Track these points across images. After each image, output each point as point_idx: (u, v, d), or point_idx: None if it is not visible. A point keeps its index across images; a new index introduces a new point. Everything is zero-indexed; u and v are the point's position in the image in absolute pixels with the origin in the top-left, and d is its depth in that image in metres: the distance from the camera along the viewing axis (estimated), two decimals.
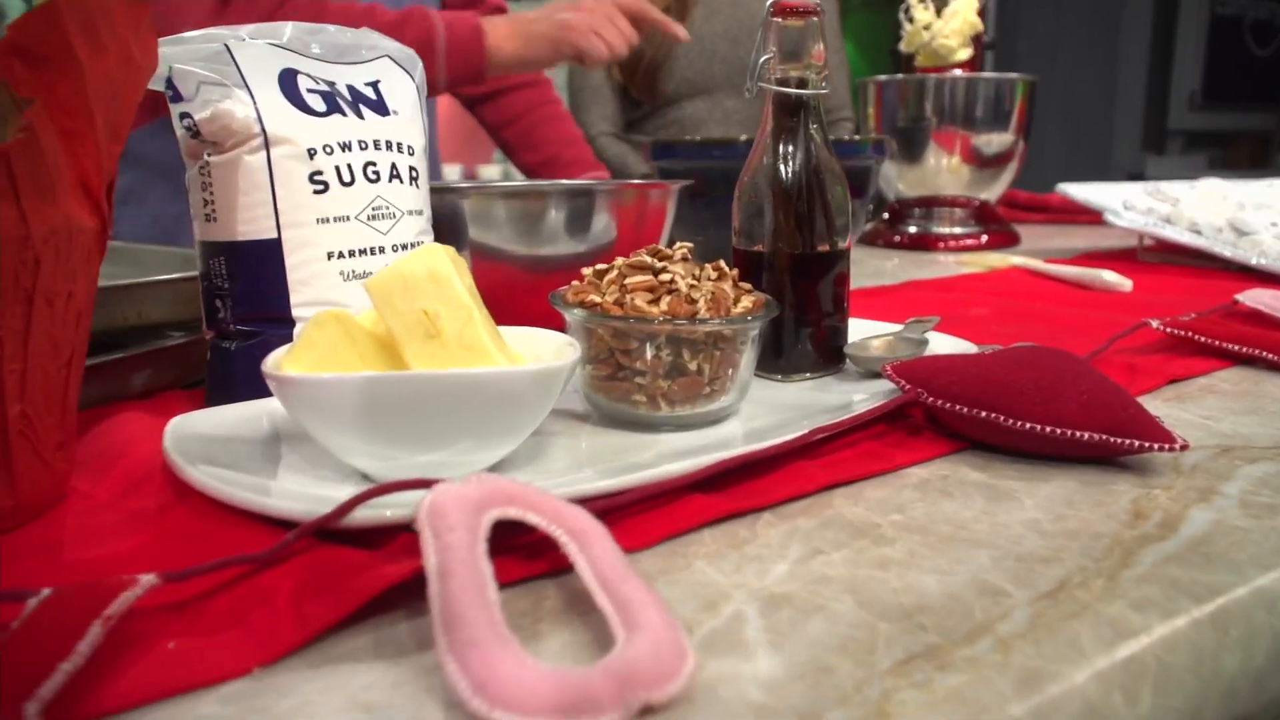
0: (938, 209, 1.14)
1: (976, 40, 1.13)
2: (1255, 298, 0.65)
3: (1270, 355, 0.53)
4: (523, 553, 0.29)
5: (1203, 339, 0.55)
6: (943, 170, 1.11)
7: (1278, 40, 4.87)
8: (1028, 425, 0.38)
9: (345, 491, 0.32)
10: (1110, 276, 0.78)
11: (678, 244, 0.43)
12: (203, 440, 0.36)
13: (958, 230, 1.13)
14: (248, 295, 0.42)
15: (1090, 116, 4.62)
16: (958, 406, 0.39)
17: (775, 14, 0.46)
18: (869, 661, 0.24)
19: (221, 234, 0.42)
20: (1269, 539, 0.31)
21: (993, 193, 1.15)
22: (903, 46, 1.13)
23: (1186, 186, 1.01)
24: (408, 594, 0.27)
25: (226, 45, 0.41)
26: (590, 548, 0.27)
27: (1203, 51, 4.64)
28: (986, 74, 1.08)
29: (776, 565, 0.30)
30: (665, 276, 0.40)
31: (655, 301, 0.39)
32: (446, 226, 0.55)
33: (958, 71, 1.11)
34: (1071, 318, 0.67)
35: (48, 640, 0.22)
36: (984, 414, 0.38)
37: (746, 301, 0.41)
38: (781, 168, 0.47)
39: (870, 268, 0.98)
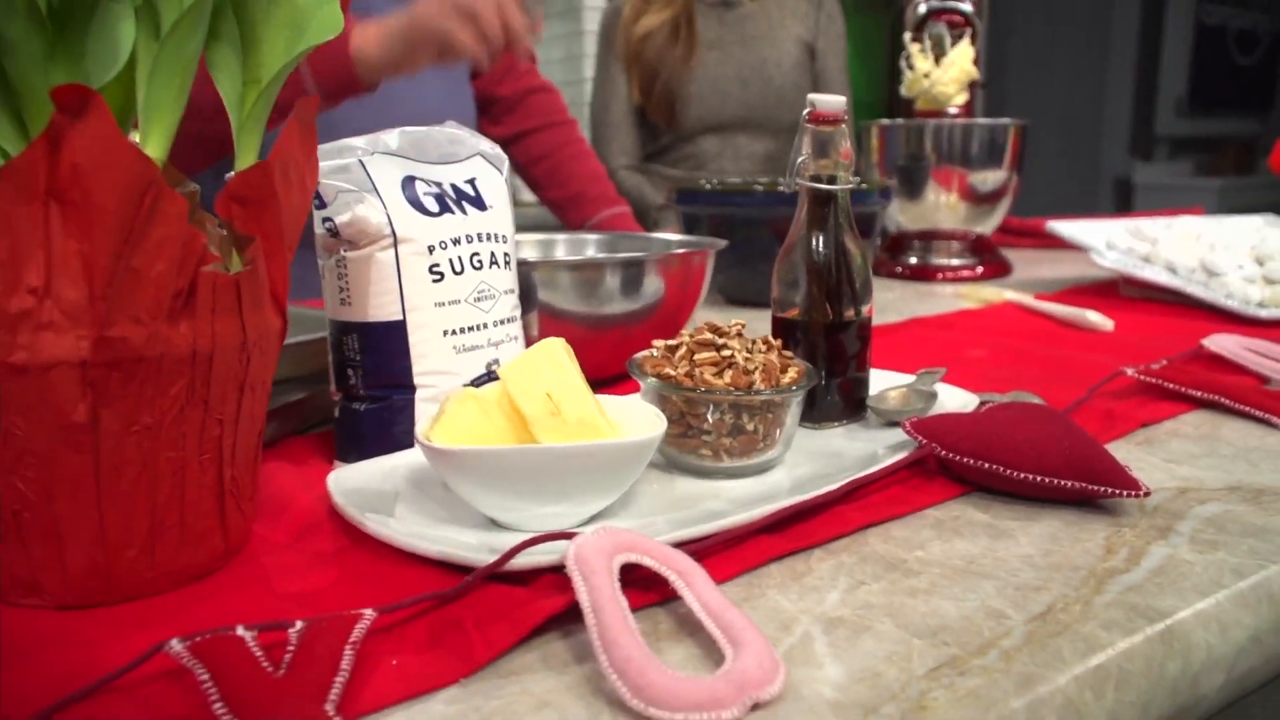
0: (936, 242, 1.23)
1: (972, 86, 1.22)
2: (1219, 343, 0.74)
3: (1227, 400, 0.62)
4: (639, 586, 0.38)
5: (1170, 385, 0.64)
6: (941, 206, 1.20)
7: (1261, 48, 4.99)
8: (1022, 475, 0.46)
9: (488, 539, 0.40)
10: (1094, 317, 0.87)
11: (734, 321, 0.52)
12: (360, 493, 0.44)
13: (955, 262, 1.22)
14: (377, 367, 0.50)
15: (1079, 123, 4.73)
16: (965, 459, 0.48)
17: (810, 121, 0.55)
18: (908, 669, 0.33)
19: (355, 315, 0.50)
20: (1208, 571, 0.40)
21: (988, 226, 1.24)
22: (904, 91, 1.22)
23: (1164, 225, 1.10)
24: (559, 621, 0.35)
25: (360, 160, 0.49)
26: (694, 584, 0.36)
27: (1188, 60, 4.75)
28: (981, 120, 1.17)
29: (830, 594, 0.38)
30: (726, 352, 0.48)
31: (719, 374, 0.48)
32: (523, 292, 0.63)
33: (954, 108, 1.20)
34: (1059, 360, 0.76)
35: (322, 661, 0.31)
36: (987, 465, 0.47)
37: (792, 372, 0.50)
38: (814, 250, 0.56)
39: (877, 301, 1.07)
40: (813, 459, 0.52)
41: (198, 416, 0.38)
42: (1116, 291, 1.06)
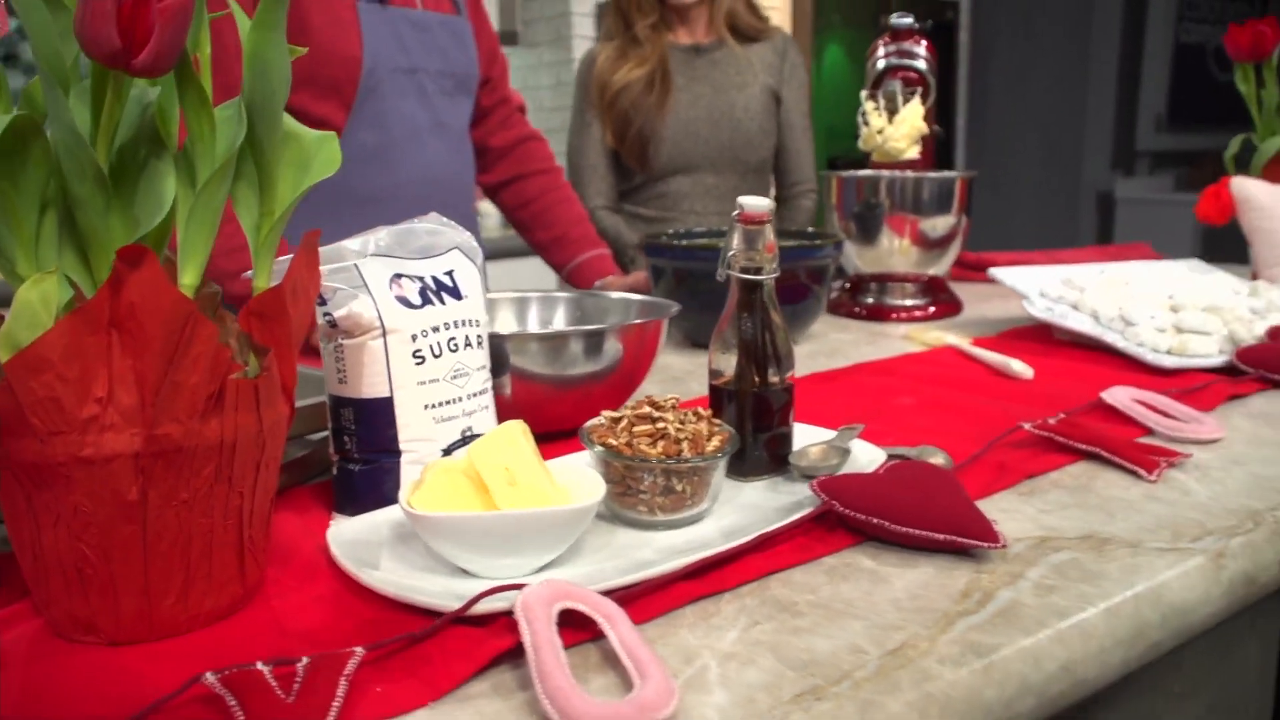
0: (891, 284, 1.33)
1: (924, 140, 1.32)
2: (1114, 395, 0.84)
3: (1104, 452, 0.72)
4: (575, 625, 0.47)
5: (1059, 438, 0.74)
6: (895, 251, 1.30)
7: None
8: (904, 528, 0.56)
9: (457, 585, 0.50)
10: (1017, 365, 0.97)
11: (669, 396, 0.61)
12: (353, 545, 0.54)
13: (908, 302, 1.32)
14: (368, 435, 0.60)
15: (1061, 139, 4.83)
16: (859, 514, 0.57)
17: (740, 220, 0.65)
18: (778, 695, 0.43)
19: (350, 392, 0.60)
20: (1038, 612, 0.50)
21: (940, 268, 1.34)
22: (860, 145, 1.32)
23: (1098, 271, 1.20)
24: (509, 656, 0.45)
25: (355, 264, 0.59)
26: (616, 626, 0.45)
27: (1168, 77, 4.86)
28: (931, 174, 1.27)
29: (730, 632, 0.48)
30: (660, 424, 0.58)
31: (653, 444, 0.57)
32: (496, 358, 0.73)
33: (911, 167, 1.30)
34: (975, 411, 0.85)
35: (323, 690, 0.41)
36: (875, 520, 0.57)
37: (716, 440, 0.59)
38: (744, 328, 0.66)
39: (829, 342, 1.17)
40: (739, 510, 0.62)
41: (224, 491, 0.47)
42: (1051, 334, 1.16)
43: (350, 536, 0.55)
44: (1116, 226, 4.91)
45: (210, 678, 0.41)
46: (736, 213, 0.65)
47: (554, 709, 0.40)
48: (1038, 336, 1.15)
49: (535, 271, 1.92)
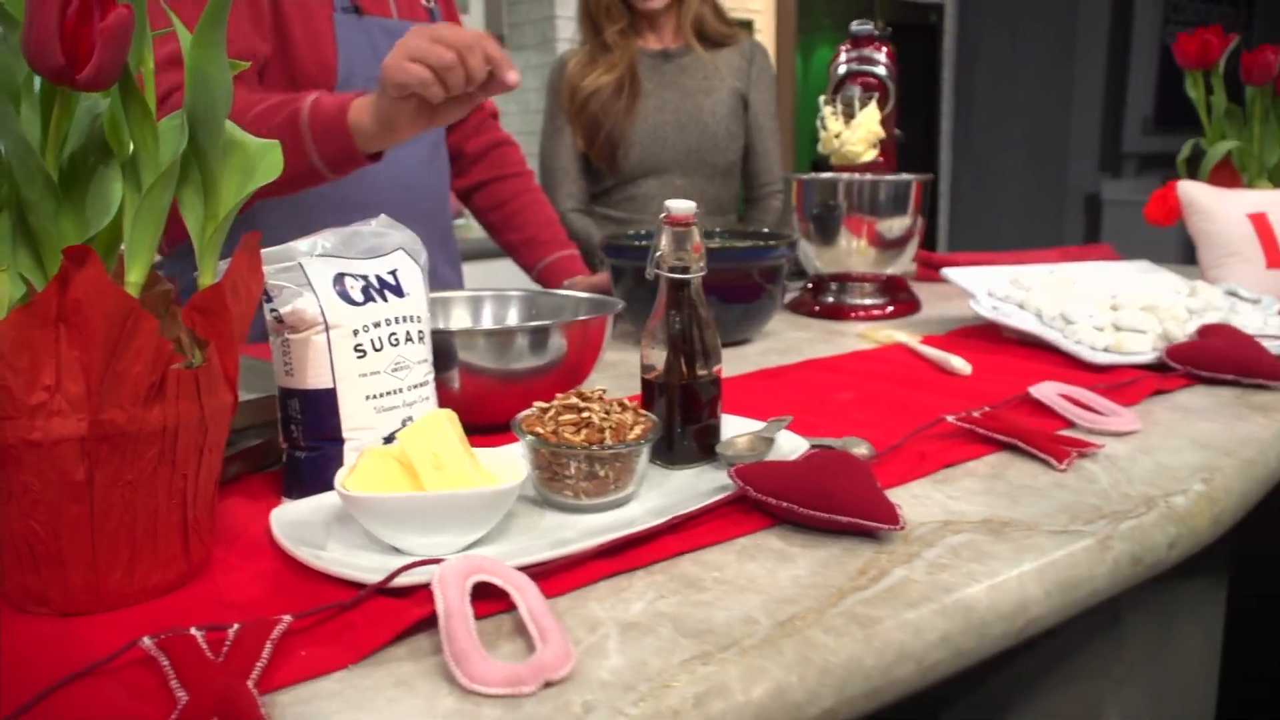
0: (850, 284, 1.37)
1: (883, 144, 1.36)
2: (1041, 390, 0.88)
3: (1020, 443, 0.76)
4: (493, 598, 0.51)
5: (980, 430, 0.78)
6: (853, 251, 1.34)
7: None
8: (810, 512, 0.60)
9: (388, 561, 0.54)
10: (956, 361, 1.01)
11: (596, 388, 0.65)
12: (295, 526, 0.58)
13: (867, 301, 1.36)
14: (313, 424, 0.64)
15: (1047, 141, 4.88)
16: (770, 499, 0.61)
17: (667, 222, 0.69)
18: (670, 660, 0.46)
19: (296, 384, 0.64)
20: (925, 588, 0.53)
21: (898, 267, 1.38)
22: (820, 149, 1.36)
23: (1046, 271, 1.24)
24: (427, 624, 0.49)
25: (300, 263, 0.63)
26: (526, 597, 0.49)
27: (1154, 79, 4.91)
28: (887, 176, 1.31)
29: (636, 605, 0.52)
30: (585, 414, 0.62)
31: (577, 432, 0.61)
32: (445, 353, 0.77)
33: (869, 170, 1.34)
34: (913, 403, 0.89)
35: (248, 653, 0.45)
36: (785, 504, 0.61)
37: (638, 429, 0.63)
38: (672, 324, 0.70)
39: (785, 340, 1.21)
40: (665, 496, 0.66)
41: (167, 473, 0.51)
42: (1000, 333, 1.20)
43: (293, 518, 0.59)
44: (1104, 228, 4.95)
45: (147, 641, 0.45)
46: (664, 215, 0.69)
47: (458, 669, 0.44)
48: (987, 335, 1.19)
49: (516, 271, 1.95)
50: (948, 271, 1.25)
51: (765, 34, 3.37)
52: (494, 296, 0.94)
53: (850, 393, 0.94)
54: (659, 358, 0.70)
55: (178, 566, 0.53)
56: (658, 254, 0.69)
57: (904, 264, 1.38)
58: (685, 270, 0.69)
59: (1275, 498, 1.58)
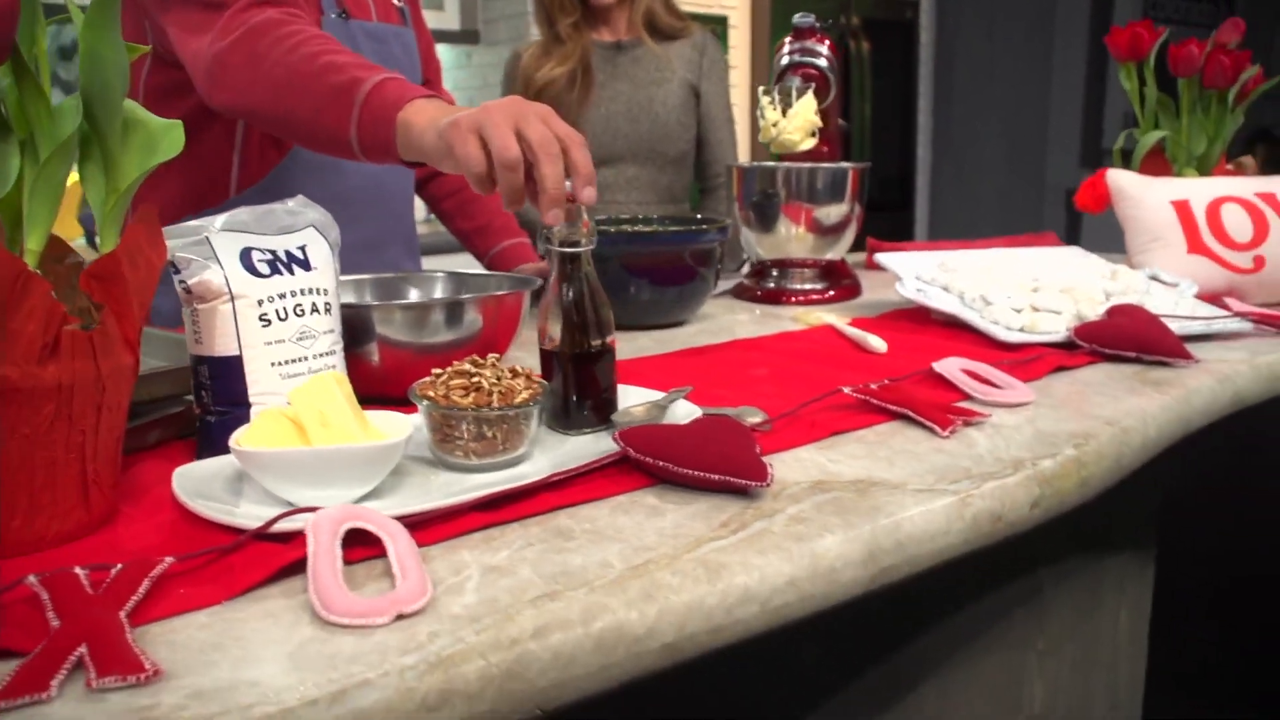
0: (791, 269, 1.40)
1: (825, 133, 1.39)
2: (945, 365, 0.91)
3: (910, 413, 0.80)
4: (368, 544, 0.55)
5: (875, 401, 0.82)
6: (792, 238, 1.38)
7: None
8: (684, 470, 0.64)
9: (273, 513, 0.57)
10: (874, 340, 1.05)
11: (491, 354, 0.69)
12: (195, 481, 0.61)
13: (807, 286, 1.40)
14: (222, 389, 0.67)
15: (1027, 136, 4.91)
16: (647, 458, 0.65)
17: (569, 201, 0.72)
18: (520, 597, 0.50)
19: (205, 351, 0.67)
20: (777, 539, 0.57)
21: (837, 253, 1.42)
22: (760, 138, 1.40)
23: (976, 257, 1.28)
24: (301, 568, 0.52)
25: (207, 237, 0.66)
26: (396, 542, 0.53)
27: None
28: (825, 164, 1.35)
29: (503, 551, 0.56)
30: (475, 379, 0.66)
31: (466, 395, 0.65)
32: (363, 328, 0.80)
33: (807, 149, 1.38)
34: (822, 377, 0.93)
35: (125, 587, 0.48)
36: (662, 463, 0.64)
37: (525, 393, 0.67)
38: (565, 297, 0.73)
39: (719, 323, 1.24)
40: (558, 457, 0.70)
41: (64, 428, 0.55)
42: (929, 316, 1.23)
43: (197, 475, 0.62)
44: (1083, 223, 4.99)
45: (32, 579, 0.48)
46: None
47: (319, 602, 0.48)
48: (916, 318, 1.23)
49: (474, 265, 1.99)
50: (880, 257, 1.29)
51: (740, 30, 3.41)
52: (423, 277, 0.97)
53: (765, 369, 0.97)
54: (555, 329, 0.74)
55: (77, 516, 0.57)
56: (548, 231, 0.73)
57: (842, 249, 1.41)
58: (575, 244, 0.73)
59: (1211, 477, 1.63)
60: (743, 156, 1.91)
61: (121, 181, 0.58)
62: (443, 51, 3.19)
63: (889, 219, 4.23)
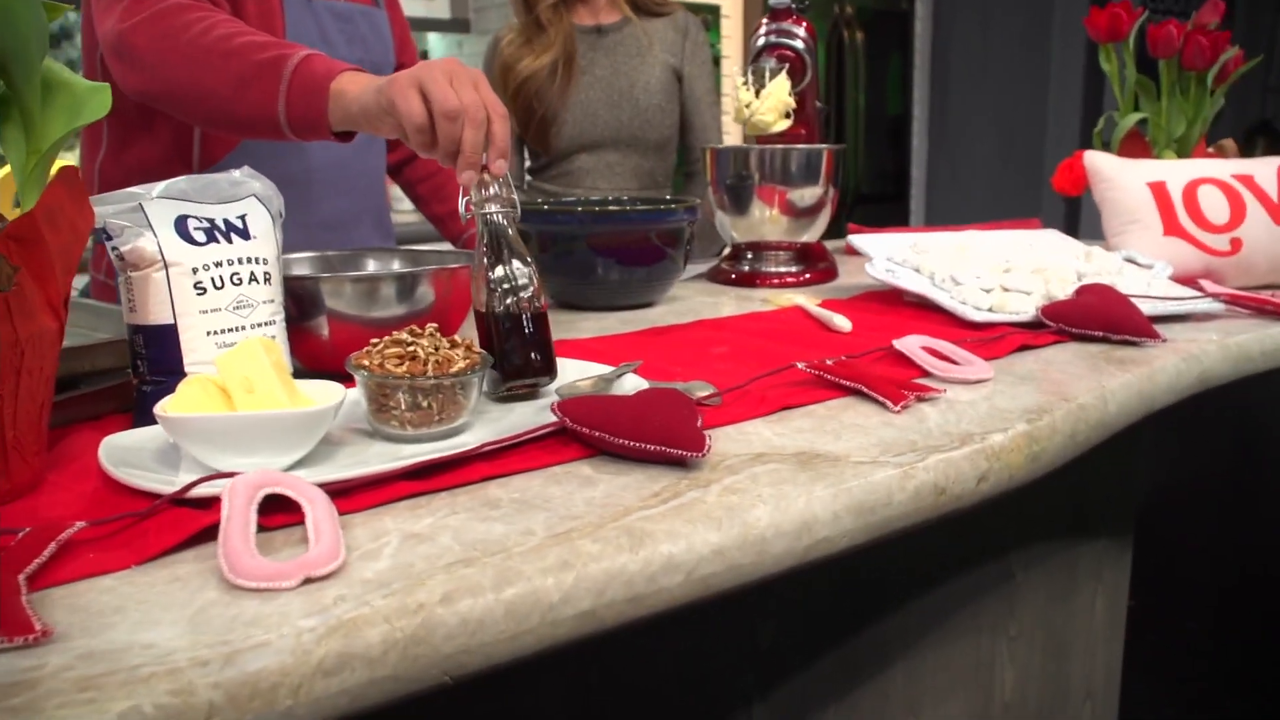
0: (766, 252, 1.39)
1: (801, 115, 1.38)
2: (905, 343, 0.90)
3: (865, 389, 0.78)
4: (288, 511, 0.54)
5: (829, 377, 0.81)
6: (766, 220, 1.36)
7: None
8: (619, 440, 0.63)
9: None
10: (839, 320, 1.04)
11: (430, 325, 0.68)
12: (123, 450, 0.60)
13: (782, 269, 1.39)
14: (156, 358, 0.66)
15: (1024, 128, 4.89)
16: (583, 429, 0.64)
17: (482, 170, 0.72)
18: (435, 563, 0.49)
19: (139, 320, 0.66)
20: (708, 508, 0.56)
21: (812, 235, 1.40)
22: (734, 119, 1.38)
23: (948, 239, 1.27)
24: (216, 532, 0.52)
25: (140, 204, 0.65)
26: (315, 508, 0.52)
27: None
28: (798, 146, 1.33)
29: (427, 519, 0.55)
30: (411, 349, 0.65)
31: (400, 364, 0.64)
32: (312, 301, 0.80)
33: (780, 130, 1.36)
34: (781, 355, 0.92)
35: (29, 550, 0.47)
36: (598, 433, 0.63)
37: (464, 363, 0.66)
38: (489, 262, 0.73)
39: (690, 304, 1.23)
40: (498, 428, 0.69)
41: None
42: (900, 297, 1.22)
43: (125, 444, 0.62)
44: (1082, 214, 4.97)
45: None
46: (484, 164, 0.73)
47: (226, 565, 0.47)
48: (887, 299, 1.22)
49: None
50: (854, 239, 1.28)
51: (733, 20, 3.39)
52: (380, 252, 0.97)
53: (726, 347, 0.96)
54: (481, 293, 0.73)
55: None
56: (468, 199, 0.73)
57: (817, 232, 1.40)
58: (484, 208, 0.73)
59: (1194, 461, 1.61)
60: (731, 143, 1.90)
61: (43, 142, 0.58)
62: (433, 40, 3.17)
63: (883, 210, 4.21)
